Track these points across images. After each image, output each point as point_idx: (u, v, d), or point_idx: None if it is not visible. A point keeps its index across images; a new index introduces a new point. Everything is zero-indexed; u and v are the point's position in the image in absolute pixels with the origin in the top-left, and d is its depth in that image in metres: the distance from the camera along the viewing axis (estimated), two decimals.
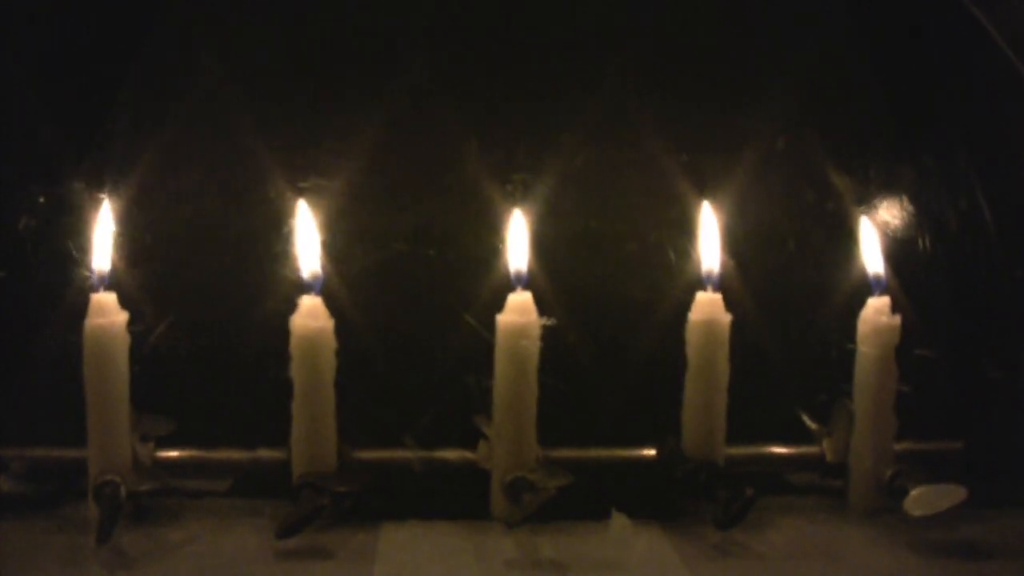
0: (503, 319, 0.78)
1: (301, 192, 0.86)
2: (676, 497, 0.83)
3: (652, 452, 0.84)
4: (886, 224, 0.92)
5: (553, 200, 0.88)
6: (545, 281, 0.83)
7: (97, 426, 0.77)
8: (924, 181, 0.93)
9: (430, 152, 0.90)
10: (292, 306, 0.78)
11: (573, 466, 0.80)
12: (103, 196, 0.84)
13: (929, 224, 0.92)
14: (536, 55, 0.93)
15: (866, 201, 0.92)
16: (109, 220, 0.81)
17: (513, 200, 0.85)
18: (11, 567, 0.74)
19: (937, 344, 0.89)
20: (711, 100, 0.92)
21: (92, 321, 0.76)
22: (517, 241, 0.81)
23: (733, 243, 0.87)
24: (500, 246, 0.83)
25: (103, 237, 0.80)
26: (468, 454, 0.82)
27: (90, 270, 0.79)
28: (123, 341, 0.77)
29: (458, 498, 0.81)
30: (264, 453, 0.82)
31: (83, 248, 0.83)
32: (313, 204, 0.82)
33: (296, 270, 0.80)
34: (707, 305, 0.81)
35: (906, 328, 0.81)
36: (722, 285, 0.82)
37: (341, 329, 0.78)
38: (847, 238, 0.88)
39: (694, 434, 0.82)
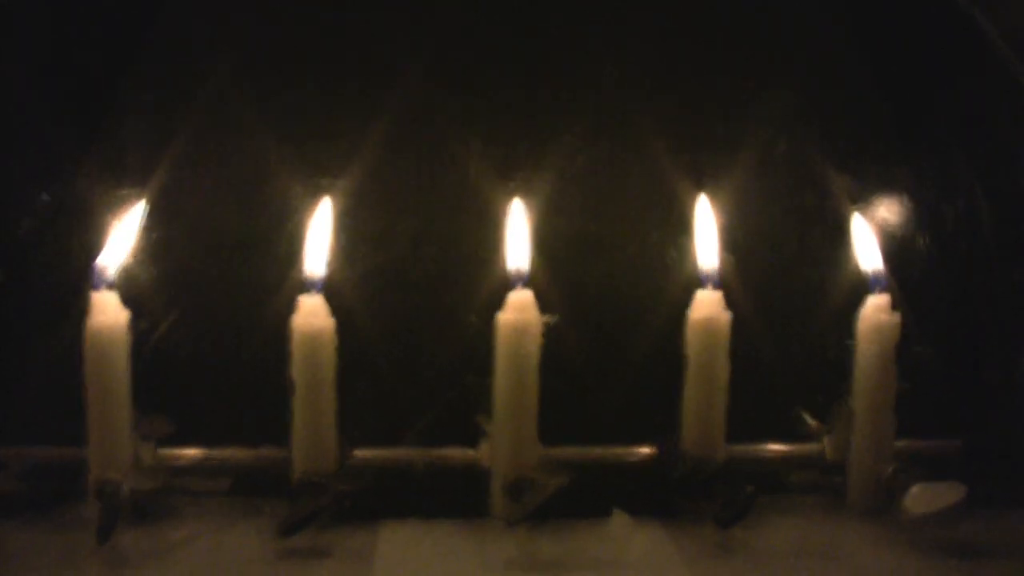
0: (503, 317, 0.78)
1: (319, 189, 0.86)
2: (676, 495, 0.83)
3: (652, 450, 0.84)
4: (884, 224, 0.92)
5: (554, 199, 0.89)
6: (546, 279, 0.83)
7: (98, 425, 0.77)
8: (922, 181, 0.93)
9: (431, 152, 0.90)
10: (294, 305, 0.78)
11: (573, 465, 0.80)
12: (125, 194, 0.84)
13: (927, 224, 0.93)
14: (536, 56, 0.93)
15: (864, 200, 0.92)
16: (113, 219, 0.81)
17: (513, 199, 0.85)
18: (11, 567, 0.74)
19: (936, 343, 0.89)
20: (710, 100, 0.93)
21: (93, 320, 0.77)
22: (517, 232, 0.81)
23: (733, 242, 0.88)
24: (501, 244, 0.83)
25: (106, 236, 0.80)
26: (469, 453, 0.82)
27: (92, 269, 0.79)
28: (124, 340, 0.77)
29: (458, 497, 0.81)
30: (265, 452, 0.82)
31: (85, 247, 0.83)
32: (324, 203, 0.83)
33: (303, 266, 0.80)
34: (707, 303, 0.81)
35: (905, 328, 0.82)
36: (722, 283, 0.82)
37: (342, 328, 0.78)
38: (846, 237, 0.88)
39: (694, 432, 0.82)
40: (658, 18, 0.94)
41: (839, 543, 0.80)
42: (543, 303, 0.79)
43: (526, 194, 0.85)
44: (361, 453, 0.82)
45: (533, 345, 0.78)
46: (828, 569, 0.77)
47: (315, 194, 0.84)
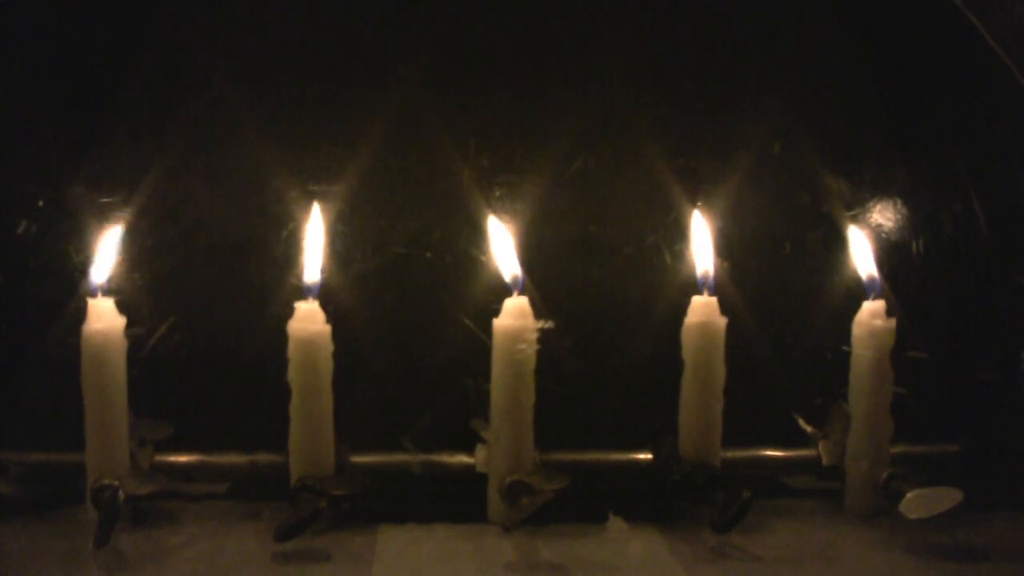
0: (500, 323, 0.78)
1: (312, 195, 0.86)
2: (673, 500, 0.83)
3: (649, 455, 0.84)
4: (881, 227, 0.92)
5: (550, 204, 0.89)
6: (542, 285, 0.84)
7: (95, 430, 0.77)
8: (918, 184, 0.93)
9: (428, 156, 0.90)
10: (291, 310, 0.78)
11: (570, 469, 0.80)
12: (109, 201, 0.84)
13: (924, 227, 0.93)
14: (533, 61, 0.93)
15: (861, 205, 0.92)
16: (110, 225, 0.81)
17: (507, 203, 0.85)
18: (10, 570, 0.74)
19: (933, 347, 0.89)
20: (707, 104, 0.93)
21: (90, 326, 0.77)
22: (501, 247, 0.81)
23: (729, 247, 0.88)
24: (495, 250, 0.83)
25: (103, 242, 0.80)
26: (466, 457, 0.82)
27: (88, 275, 0.79)
28: (121, 346, 0.77)
29: (456, 501, 0.82)
30: (262, 456, 0.82)
31: (82, 253, 0.83)
32: (319, 207, 0.83)
33: (299, 272, 0.80)
34: (703, 308, 0.81)
35: (901, 331, 0.82)
36: (718, 288, 0.82)
37: (339, 332, 0.78)
38: (842, 242, 0.88)
39: (691, 437, 0.82)
40: (656, 20, 0.94)
41: (836, 547, 0.80)
42: (540, 308, 0.79)
43: (521, 197, 0.86)
44: (358, 457, 0.82)
45: (529, 350, 0.78)
46: (825, 573, 0.77)
47: (311, 198, 0.84)
